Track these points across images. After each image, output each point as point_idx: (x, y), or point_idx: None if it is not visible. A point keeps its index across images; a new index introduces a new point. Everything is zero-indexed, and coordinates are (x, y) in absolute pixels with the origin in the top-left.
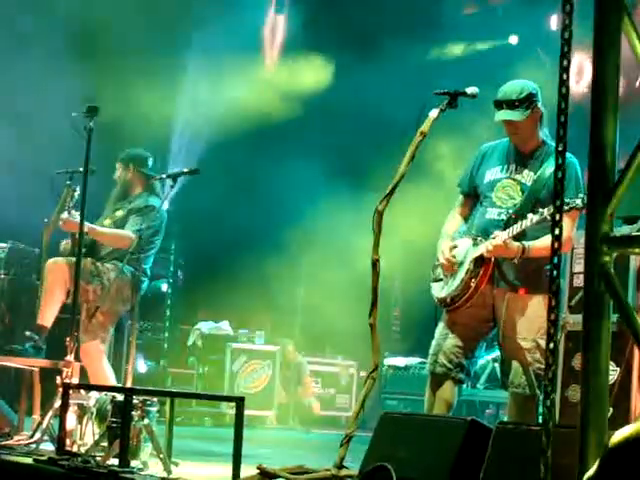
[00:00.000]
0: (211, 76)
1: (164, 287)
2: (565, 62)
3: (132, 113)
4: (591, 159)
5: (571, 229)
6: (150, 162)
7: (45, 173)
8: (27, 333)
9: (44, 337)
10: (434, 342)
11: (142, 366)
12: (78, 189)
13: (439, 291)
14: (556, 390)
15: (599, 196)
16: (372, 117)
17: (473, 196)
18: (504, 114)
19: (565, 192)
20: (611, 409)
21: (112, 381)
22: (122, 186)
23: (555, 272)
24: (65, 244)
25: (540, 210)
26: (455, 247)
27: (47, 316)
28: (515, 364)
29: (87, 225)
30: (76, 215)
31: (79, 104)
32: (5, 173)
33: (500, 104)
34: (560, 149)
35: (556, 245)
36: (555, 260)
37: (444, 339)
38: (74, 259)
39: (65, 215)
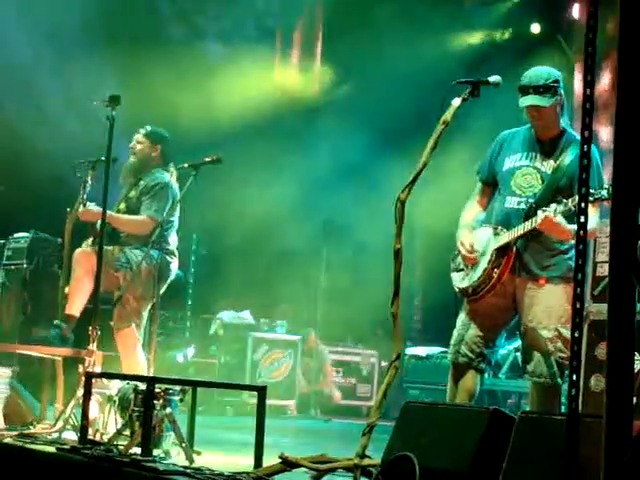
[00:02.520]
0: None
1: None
2: (590, 49)
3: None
4: (617, 147)
5: (595, 220)
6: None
7: (69, 161)
8: (55, 322)
9: (72, 326)
10: (455, 332)
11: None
12: (89, 180)
13: (460, 281)
14: (580, 380)
15: (626, 185)
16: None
17: (492, 184)
18: (531, 99)
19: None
20: (635, 398)
21: (144, 370)
22: (141, 161)
23: (580, 260)
24: (86, 243)
25: (564, 200)
26: (474, 238)
27: (76, 305)
28: (536, 353)
29: (105, 214)
30: (90, 205)
31: (103, 91)
32: (28, 162)
33: (526, 89)
34: (586, 136)
35: (581, 233)
36: (580, 248)
37: (466, 329)
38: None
39: (81, 208)
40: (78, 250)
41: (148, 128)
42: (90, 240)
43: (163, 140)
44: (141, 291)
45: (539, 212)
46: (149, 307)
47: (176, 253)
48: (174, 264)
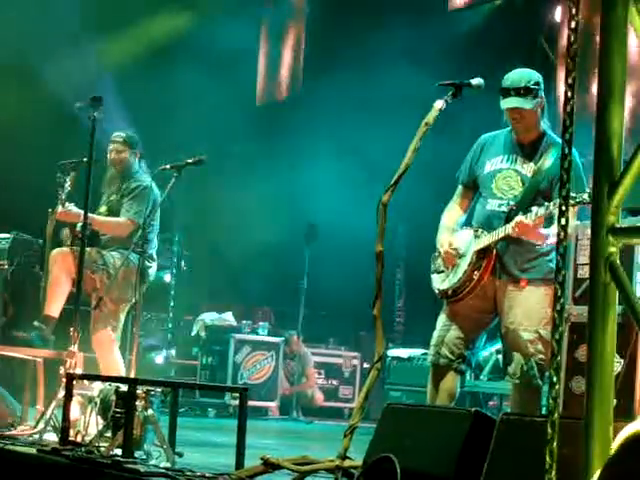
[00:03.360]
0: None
1: (168, 278)
2: (572, 51)
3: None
4: (597, 150)
5: (572, 220)
6: None
7: (51, 162)
8: (35, 323)
9: (51, 328)
10: (435, 333)
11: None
12: (68, 180)
13: (440, 283)
14: (560, 381)
15: (605, 187)
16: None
17: (473, 187)
18: (512, 101)
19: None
20: (615, 400)
21: (122, 371)
22: (124, 169)
23: (561, 262)
24: (66, 233)
25: (546, 204)
26: (455, 240)
27: (54, 307)
28: (517, 355)
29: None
30: (69, 206)
31: (85, 93)
32: (10, 162)
33: (507, 91)
34: (567, 138)
35: (562, 235)
36: (561, 250)
37: (446, 330)
38: (79, 249)
39: (59, 208)
40: (55, 250)
41: (122, 135)
42: (67, 232)
43: (139, 143)
44: (118, 294)
45: (516, 217)
46: (126, 309)
47: (155, 257)
48: (153, 268)
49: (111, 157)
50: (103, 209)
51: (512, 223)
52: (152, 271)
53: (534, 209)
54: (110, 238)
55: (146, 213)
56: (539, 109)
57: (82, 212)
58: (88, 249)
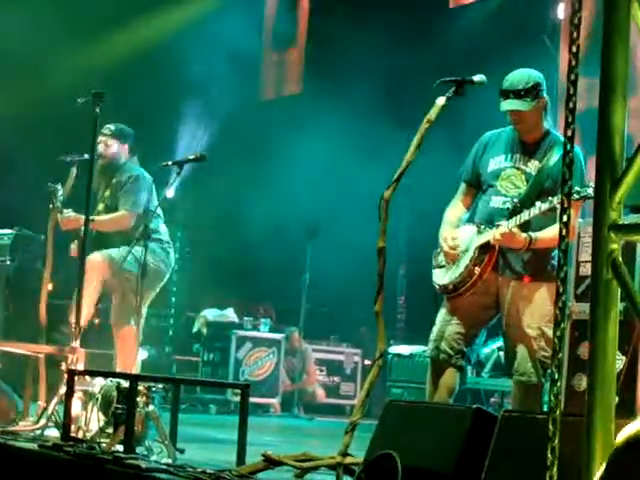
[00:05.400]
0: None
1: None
2: (574, 48)
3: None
4: (599, 146)
5: (575, 219)
6: None
7: (52, 158)
8: (66, 330)
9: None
10: (435, 328)
11: (142, 353)
12: (60, 188)
13: (441, 278)
14: (562, 378)
15: (607, 183)
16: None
17: (475, 185)
18: (510, 104)
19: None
20: (617, 397)
21: (138, 370)
22: (112, 162)
23: (563, 259)
24: (73, 247)
25: (549, 199)
26: (457, 235)
27: (85, 315)
28: (519, 352)
29: (84, 219)
30: (67, 213)
31: (84, 88)
32: (12, 158)
33: (506, 93)
34: (569, 135)
35: (564, 232)
36: (563, 247)
37: (446, 326)
38: (107, 251)
39: (59, 217)
40: (91, 258)
41: (112, 127)
42: (75, 246)
43: (130, 136)
44: (151, 286)
45: (486, 232)
46: (148, 302)
47: (170, 243)
48: (172, 253)
49: (99, 150)
50: (100, 207)
51: (496, 234)
52: (172, 256)
53: (537, 204)
54: (125, 234)
55: (144, 201)
56: (540, 109)
57: (81, 216)
58: (116, 249)
